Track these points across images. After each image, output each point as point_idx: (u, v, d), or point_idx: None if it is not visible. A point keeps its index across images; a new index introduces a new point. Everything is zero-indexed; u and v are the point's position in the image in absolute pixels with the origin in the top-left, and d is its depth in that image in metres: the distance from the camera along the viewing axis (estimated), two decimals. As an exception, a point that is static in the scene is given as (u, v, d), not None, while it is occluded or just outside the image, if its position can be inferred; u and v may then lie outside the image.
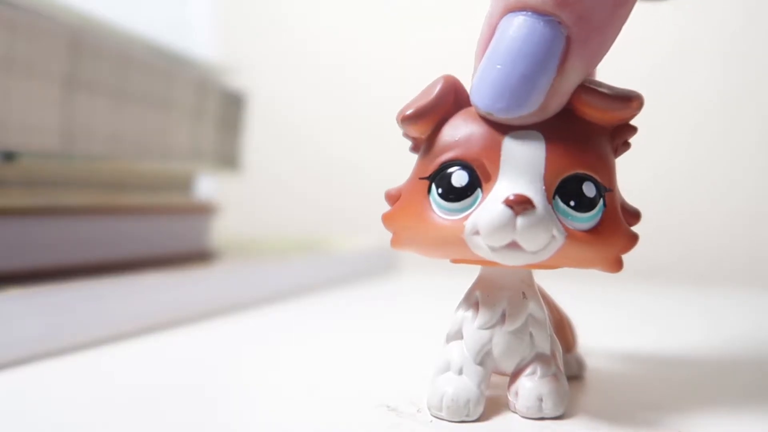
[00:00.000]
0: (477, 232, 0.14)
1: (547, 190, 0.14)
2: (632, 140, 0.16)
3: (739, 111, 0.46)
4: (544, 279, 0.19)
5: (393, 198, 0.16)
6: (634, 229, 0.15)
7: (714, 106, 0.46)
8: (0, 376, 0.18)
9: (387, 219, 0.16)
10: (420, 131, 0.15)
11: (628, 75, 0.17)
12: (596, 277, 0.18)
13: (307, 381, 0.19)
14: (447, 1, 0.52)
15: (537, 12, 0.13)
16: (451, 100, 0.15)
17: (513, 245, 0.14)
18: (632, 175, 0.18)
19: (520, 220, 0.13)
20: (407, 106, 0.15)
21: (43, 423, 0.15)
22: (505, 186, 0.14)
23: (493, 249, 0.14)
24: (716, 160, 0.46)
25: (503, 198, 0.13)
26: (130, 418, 0.15)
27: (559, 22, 0.13)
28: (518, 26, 0.14)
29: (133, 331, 0.24)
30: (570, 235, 0.14)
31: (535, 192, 0.14)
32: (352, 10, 0.57)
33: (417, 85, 0.16)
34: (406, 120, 0.15)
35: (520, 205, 0.13)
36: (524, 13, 0.14)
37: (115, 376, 0.19)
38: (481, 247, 0.14)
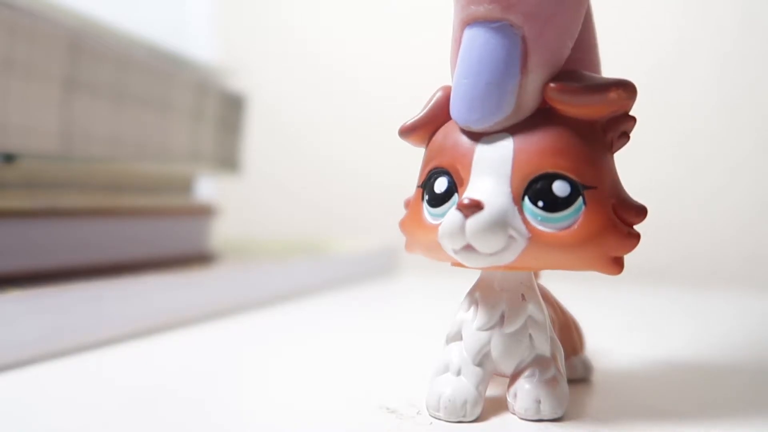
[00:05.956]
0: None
1: (515, 191, 0.14)
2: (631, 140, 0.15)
3: (736, 114, 0.46)
4: (550, 281, 0.19)
5: (408, 205, 0.16)
6: (639, 228, 0.14)
7: (711, 109, 0.46)
8: (-1, 378, 0.18)
9: (400, 225, 0.16)
10: (417, 142, 0.16)
11: (628, 76, 0.17)
12: (601, 280, 0.18)
13: (308, 383, 0.19)
14: (448, 4, 0.52)
15: (488, 20, 0.14)
16: (446, 110, 0.15)
17: (468, 248, 0.14)
18: (631, 176, 0.18)
19: (468, 223, 0.13)
20: (408, 120, 0.16)
21: (42, 426, 0.15)
22: (470, 190, 0.14)
23: (454, 251, 0.14)
24: (715, 162, 0.46)
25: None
26: (130, 420, 0.15)
27: (510, 25, 0.14)
28: (474, 38, 0.14)
29: (132, 333, 0.24)
30: (534, 236, 0.14)
31: (498, 194, 0.14)
32: (351, 11, 0.57)
33: (417, 87, 0.16)
34: (402, 133, 0.16)
35: (468, 208, 0.13)
36: (477, 24, 0.14)
37: (115, 379, 0.19)
38: (449, 249, 0.14)
